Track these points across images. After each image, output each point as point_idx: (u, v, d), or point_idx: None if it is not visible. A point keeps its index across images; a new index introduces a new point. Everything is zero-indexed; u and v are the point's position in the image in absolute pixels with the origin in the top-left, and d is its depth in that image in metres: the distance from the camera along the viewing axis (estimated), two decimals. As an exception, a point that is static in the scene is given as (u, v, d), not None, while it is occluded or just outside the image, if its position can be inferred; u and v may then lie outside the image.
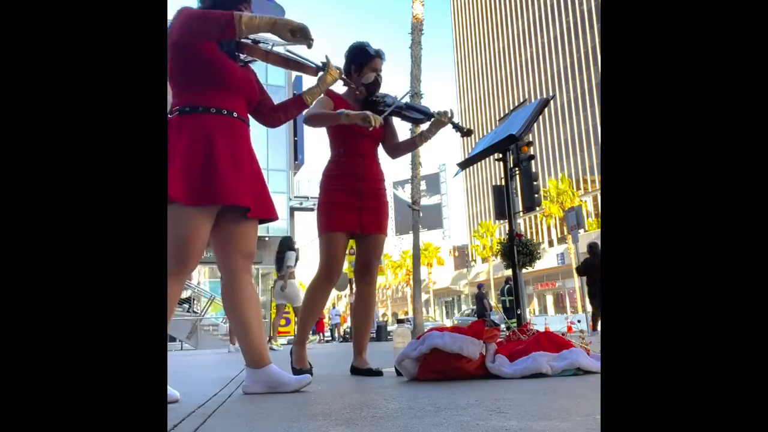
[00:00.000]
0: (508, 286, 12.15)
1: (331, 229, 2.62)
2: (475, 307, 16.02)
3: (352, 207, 2.62)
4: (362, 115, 2.42)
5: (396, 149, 2.87)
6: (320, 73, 2.12)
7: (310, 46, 1.88)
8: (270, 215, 2.02)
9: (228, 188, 1.84)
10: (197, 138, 1.84)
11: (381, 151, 2.89)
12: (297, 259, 7.65)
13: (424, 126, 2.89)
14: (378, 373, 2.61)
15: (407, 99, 3.06)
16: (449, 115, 2.74)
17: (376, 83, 2.72)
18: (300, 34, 1.82)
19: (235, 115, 1.96)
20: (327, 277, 2.65)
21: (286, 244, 7.55)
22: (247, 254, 2.00)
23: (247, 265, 2.00)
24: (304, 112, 2.54)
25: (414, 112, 2.83)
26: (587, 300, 9.69)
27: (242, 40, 1.96)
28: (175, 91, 1.93)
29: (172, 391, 1.79)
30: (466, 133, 2.84)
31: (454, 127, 2.81)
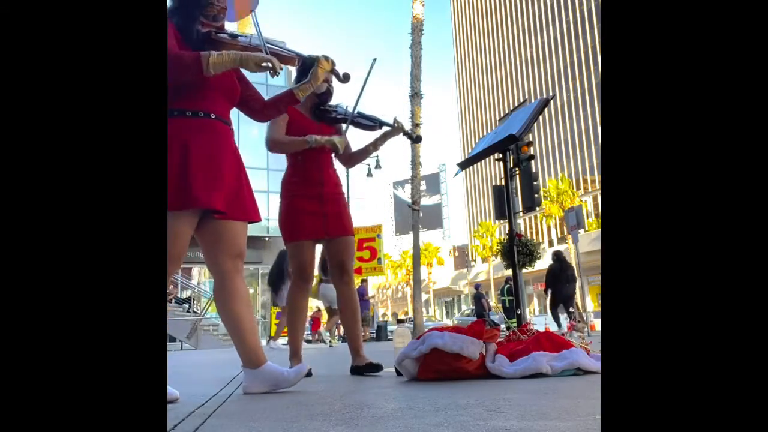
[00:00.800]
0: (508, 286, 12.13)
1: (297, 239, 2.72)
2: (474, 307, 15.99)
3: (315, 212, 2.72)
4: (330, 140, 2.63)
5: (350, 158, 2.99)
6: (312, 68, 2.11)
7: (275, 74, 1.91)
8: (247, 217, 2.00)
9: (201, 193, 1.83)
10: (172, 143, 1.83)
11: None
12: None
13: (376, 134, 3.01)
14: (378, 366, 2.62)
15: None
16: (399, 125, 2.89)
17: (328, 93, 2.85)
18: (265, 63, 1.86)
19: (213, 116, 1.95)
20: (301, 282, 2.80)
21: None
22: (236, 255, 1.98)
23: (237, 265, 1.99)
24: (267, 137, 2.70)
25: (366, 120, 2.90)
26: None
27: (219, 36, 1.98)
28: None
29: (172, 391, 1.79)
30: (416, 140, 3.06)
31: (405, 135, 2.95)
